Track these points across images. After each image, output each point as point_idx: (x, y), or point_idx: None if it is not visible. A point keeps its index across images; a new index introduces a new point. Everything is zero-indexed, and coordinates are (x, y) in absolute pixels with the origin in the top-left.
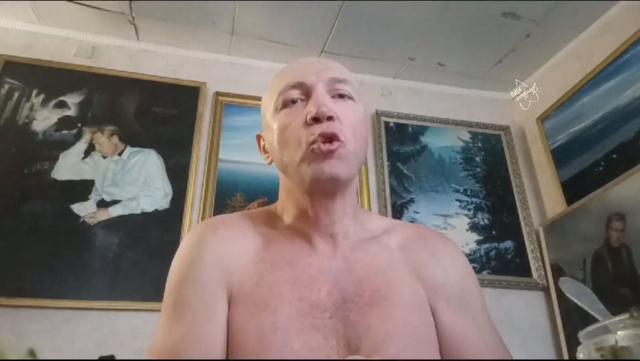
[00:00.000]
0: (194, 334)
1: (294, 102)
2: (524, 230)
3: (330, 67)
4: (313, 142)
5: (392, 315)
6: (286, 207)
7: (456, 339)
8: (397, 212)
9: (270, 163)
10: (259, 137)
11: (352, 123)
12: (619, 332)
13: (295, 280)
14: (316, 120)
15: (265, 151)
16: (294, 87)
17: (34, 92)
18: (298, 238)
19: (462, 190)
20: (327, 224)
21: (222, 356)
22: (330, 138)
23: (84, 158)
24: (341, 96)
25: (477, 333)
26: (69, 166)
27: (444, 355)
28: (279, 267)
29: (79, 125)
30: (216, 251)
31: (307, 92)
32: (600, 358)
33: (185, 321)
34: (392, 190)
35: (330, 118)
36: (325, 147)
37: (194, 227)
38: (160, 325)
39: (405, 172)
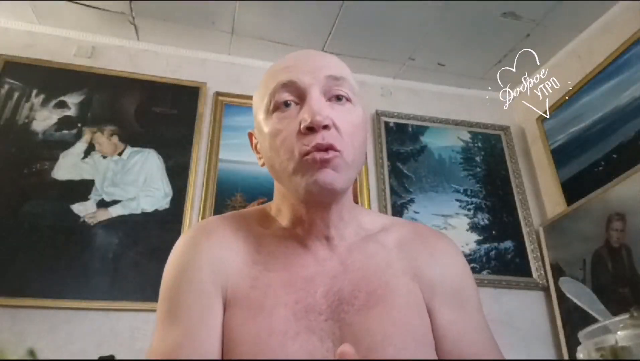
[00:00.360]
0: (190, 339)
1: (286, 104)
2: (524, 230)
3: (325, 64)
4: (307, 153)
5: (390, 316)
6: (281, 209)
7: (452, 339)
8: (397, 212)
9: (263, 165)
10: (251, 135)
11: (350, 129)
12: (619, 332)
13: (290, 282)
14: (311, 129)
15: (257, 151)
16: (285, 85)
17: (34, 92)
18: (293, 240)
19: (462, 190)
20: (322, 229)
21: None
22: (325, 148)
23: (84, 158)
24: (338, 98)
25: (473, 333)
26: (69, 166)
27: (439, 355)
28: (273, 270)
29: (79, 125)
30: (210, 254)
31: (300, 95)
32: (600, 358)
33: (182, 325)
34: (392, 190)
35: (326, 127)
36: (319, 155)
37: (186, 230)
38: (156, 330)
39: (405, 172)
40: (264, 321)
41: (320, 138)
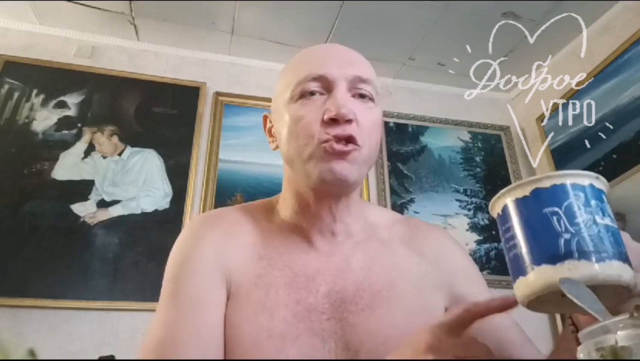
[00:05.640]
0: (187, 326)
1: (312, 94)
2: None
3: (354, 62)
4: (326, 141)
5: (393, 318)
6: (288, 200)
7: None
8: (397, 212)
9: (275, 148)
10: (266, 118)
11: (370, 126)
12: (619, 332)
13: (292, 281)
14: (334, 120)
15: (271, 134)
16: (315, 79)
17: (34, 92)
18: (297, 235)
19: (462, 190)
20: (328, 222)
21: (215, 350)
22: (345, 139)
23: (84, 158)
24: (362, 96)
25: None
26: (69, 166)
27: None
28: (277, 267)
29: (79, 125)
30: (214, 246)
31: (327, 87)
32: (600, 358)
33: (181, 312)
34: (392, 190)
35: (348, 121)
36: (338, 146)
37: (191, 220)
38: (156, 314)
39: (405, 172)
40: (264, 322)
41: (341, 129)
